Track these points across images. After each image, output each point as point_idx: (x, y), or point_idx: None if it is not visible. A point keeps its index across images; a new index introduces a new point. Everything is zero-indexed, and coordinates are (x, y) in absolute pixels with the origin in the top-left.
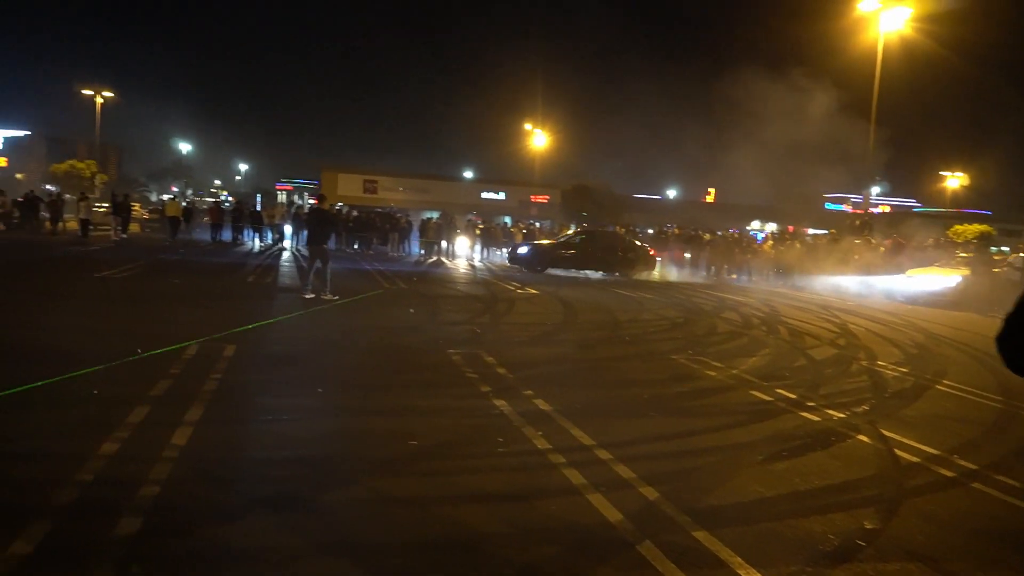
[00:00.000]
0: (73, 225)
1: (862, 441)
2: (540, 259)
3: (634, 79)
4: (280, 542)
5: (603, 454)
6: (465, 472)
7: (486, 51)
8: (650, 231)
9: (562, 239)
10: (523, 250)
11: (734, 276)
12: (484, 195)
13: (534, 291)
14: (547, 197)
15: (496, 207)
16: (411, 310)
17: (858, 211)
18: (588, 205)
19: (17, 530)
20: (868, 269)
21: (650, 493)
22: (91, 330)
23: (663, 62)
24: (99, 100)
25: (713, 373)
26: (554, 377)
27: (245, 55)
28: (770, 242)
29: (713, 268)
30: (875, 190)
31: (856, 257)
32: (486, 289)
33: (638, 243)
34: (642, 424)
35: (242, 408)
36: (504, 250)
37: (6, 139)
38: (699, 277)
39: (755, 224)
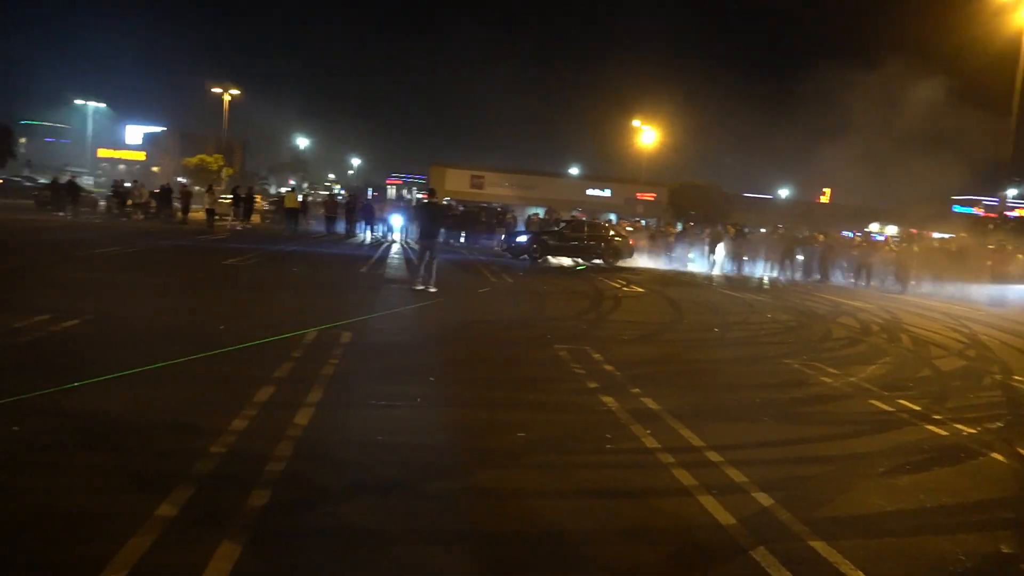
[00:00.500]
0: (200, 215)
1: (996, 459)
2: (541, 248)
3: (748, 75)
4: (392, 524)
5: (714, 456)
6: (573, 467)
7: (595, 49)
8: (762, 231)
9: (550, 229)
10: (523, 239)
11: (851, 280)
12: (589, 192)
13: (640, 289)
14: (654, 195)
15: (602, 204)
16: (518, 305)
17: (991, 215)
18: (696, 203)
19: (164, 494)
20: (1003, 277)
21: (764, 499)
22: (221, 314)
23: (778, 56)
24: (227, 98)
25: (828, 380)
26: (662, 376)
27: (360, 54)
28: (890, 245)
29: (827, 271)
30: (1011, 192)
31: (988, 264)
32: (590, 285)
33: (620, 233)
34: (754, 428)
35: (358, 393)
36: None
37: (145, 135)
38: (812, 280)
39: (874, 226)
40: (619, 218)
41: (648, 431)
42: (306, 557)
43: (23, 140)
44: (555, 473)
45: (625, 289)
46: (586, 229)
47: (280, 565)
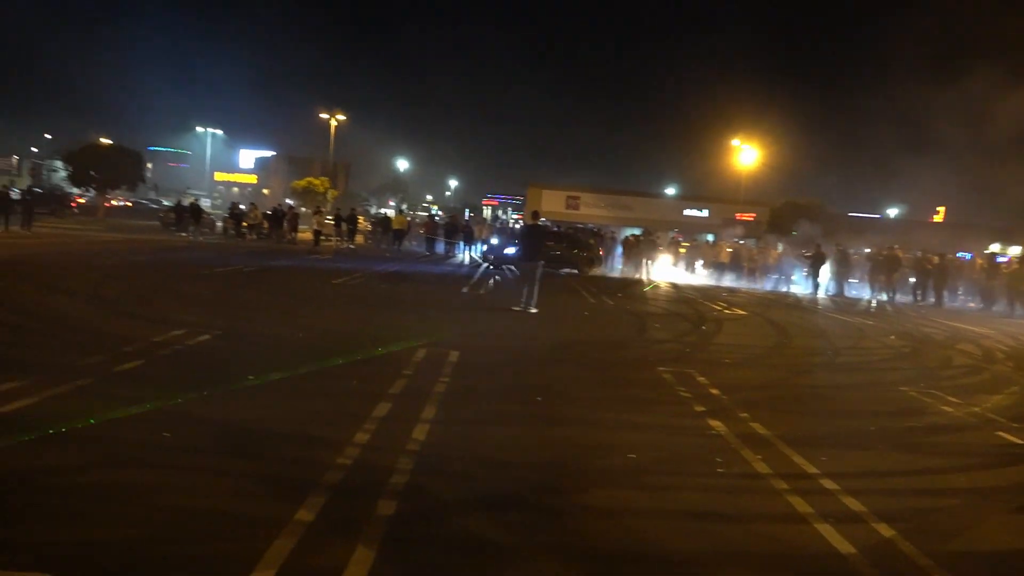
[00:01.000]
0: (308, 235)
1: None
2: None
3: (854, 89)
4: (511, 537)
5: (829, 484)
6: (683, 489)
7: (693, 66)
8: (866, 251)
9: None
10: (510, 250)
11: (971, 304)
12: (686, 212)
13: (742, 312)
14: (753, 215)
15: (699, 225)
16: (619, 326)
17: None
18: (799, 223)
19: (300, 500)
20: None
21: (885, 530)
22: (333, 331)
23: (884, 70)
24: (333, 123)
25: (949, 409)
26: (771, 401)
27: (457, 78)
28: (1015, 266)
29: (941, 294)
30: None
31: None
32: (691, 308)
33: (591, 242)
34: (870, 457)
35: (470, 410)
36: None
37: (256, 159)
38: (925, 304)
39: (995, 247)
40: (717, 238)
41: (759, 456)
42: (434, 564)
43: (149, 165)
44: (666, 495)
45: (727, 312)
46: (564, 240)
47: (410, 571)
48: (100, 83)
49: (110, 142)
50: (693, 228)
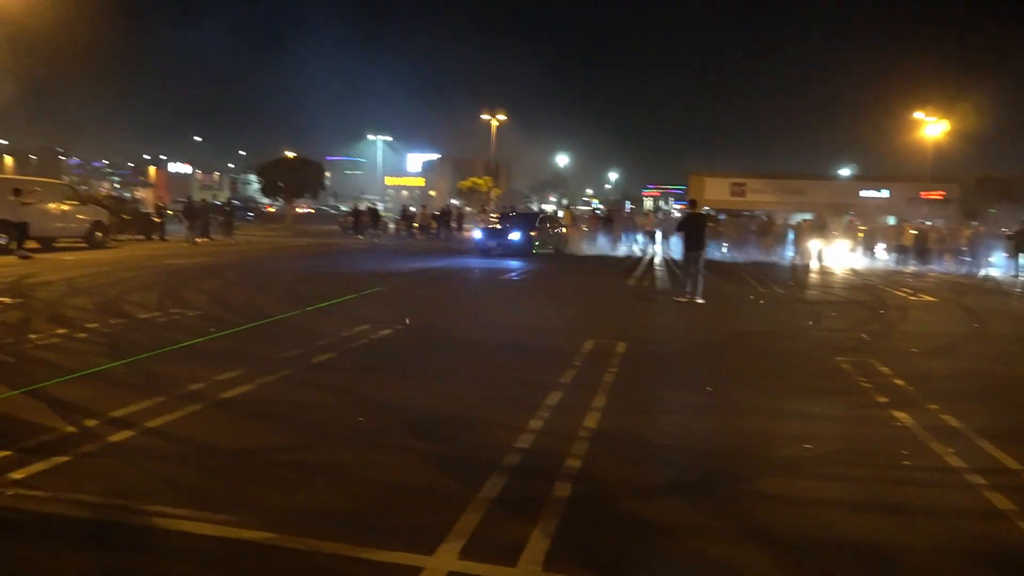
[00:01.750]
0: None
1: None
2: (531, 243)
3: None
4: (686, 521)
5: None
6: (867, 480)
7: (864, 39)
8: None
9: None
10: (515, 236)
11: None
12: (863, 194)
13: (930, 298)
14: (942, 193)
15: (879, 207)
16: (791, 316)
17: None
18: (997, 199)
19: (483, 479)
20: None
21: None
22: (504, 324)
23: None
24: (494, 123)
25: None
26: (964, 393)
27: (615, 69)
28: None
29: None
30: None
31: None
32: (871, 295)
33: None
34: None
35: (640, 399)
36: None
37: (424, 163)
38: None
39: None
40: (899, 220)
41: (951, 449)
42: (608, 544)
43: (328, 174)
44: (848, 485)
45: (912, 298)
46: (549, 223)
47: (588, 549)
48: (285, 102)
49: (294, 154)
50: (872, 210)
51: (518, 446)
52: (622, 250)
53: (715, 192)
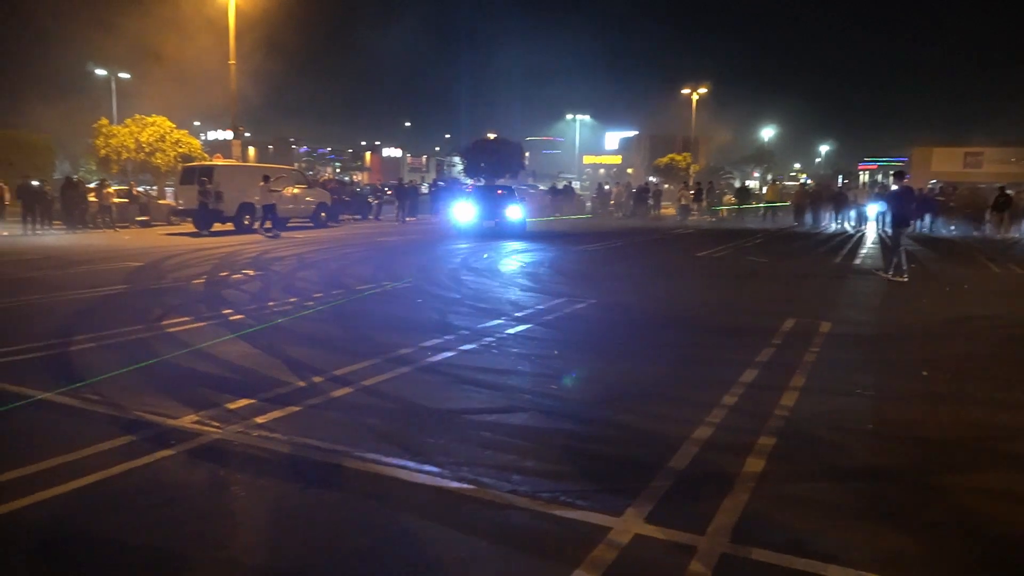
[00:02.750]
0: (670, 211)
1: None
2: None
3: None
4: (881, 510)
5: None
6: None
7: None
8: None
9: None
10: (516, 213)
11: None
12: None
13: None
14: None
15: None
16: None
17: None
18: None
19: (674, 450)
20: None
21: None
22: (699, 301)
23: None
24: (695, 98)
25: None
26: None
27: (825, 37)
28: None
29: None
30: None
31: None
32: None
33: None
34: None
35: (844, 381)
36: None
37: (620, 140)
38: None
39: None
40: None
41: None
42: (800, 523)
43: (527, 154)
44: None
45: None
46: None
47: (777, 527)
48: (487, 86)
49: (495, 136)
50: None
51: (710, 420)
52: (832, 226)
53: (945, 164)
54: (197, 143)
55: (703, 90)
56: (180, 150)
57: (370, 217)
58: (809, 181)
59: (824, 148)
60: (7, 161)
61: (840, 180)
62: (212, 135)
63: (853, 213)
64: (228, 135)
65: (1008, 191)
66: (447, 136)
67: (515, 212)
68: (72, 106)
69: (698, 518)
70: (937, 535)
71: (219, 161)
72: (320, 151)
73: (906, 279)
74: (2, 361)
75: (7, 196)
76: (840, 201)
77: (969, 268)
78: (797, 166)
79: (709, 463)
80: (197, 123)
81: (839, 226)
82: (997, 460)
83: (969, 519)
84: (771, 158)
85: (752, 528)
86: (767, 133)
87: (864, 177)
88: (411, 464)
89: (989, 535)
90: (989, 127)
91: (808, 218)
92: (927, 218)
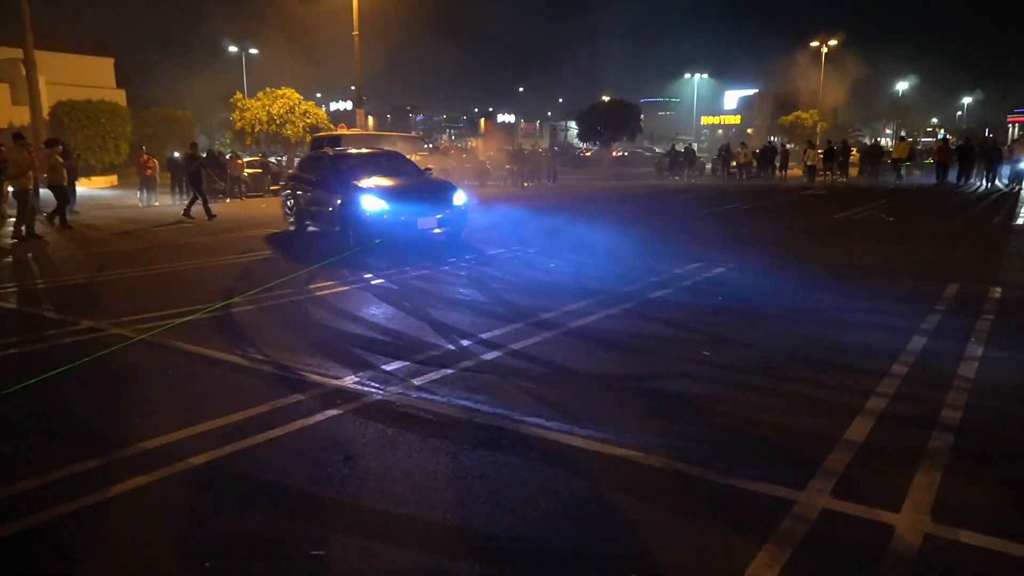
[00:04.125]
0: (797, 171)
1: None
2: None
3: None
4: None
5: None
6: None
7: None
8: None
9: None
10: None
11: None
12: None
13: None
14: None
15: None
16: None
17: None
18: None
19: (846, 423)
20: None
21: None
22: (842, 263)
23: None
24: (823, 51)
25: None
26: None
27: None
28: None
29: None
30: None
31: None
32: None
33: None
34: None
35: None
36: None
37: (740, 99)
38: None
39: None
40: None
41: None
42: (1002, 502)
43: (642, 116)
44: None
45: None
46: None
47: (976, 506)
48: (599, 48)
49: (610, 98)
50: None
51: (881, 391)
52: (982, 184)
53: None
54: (323, 113)
55: (833, 42)
56: (308, 121)
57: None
58: (948, 137)
59: (966, 100)
60: (155, 136)
61: (987, 134)
62: (334, 106)
63: (1007, 170)
64: (349, 105)
65: None
66: (560, 100)
67: None
68: (207, 82)
69: (888, 495)
70: None
71: (343, 130)
72: (436, 118)
73: None
74: (178, 321)
75: (157, 168)
76: (993, 156)
77: None
78: (935, 121)
79: (890, 436)
80: (319, 95)
81: (989, 184)
82: None
83: None
84: (906, 113)
85: (953, 508)
86: (901, 86)
87: (1013, 130)
88: (577, 429)
89: None
90: None
91: (952, 176)
92: None
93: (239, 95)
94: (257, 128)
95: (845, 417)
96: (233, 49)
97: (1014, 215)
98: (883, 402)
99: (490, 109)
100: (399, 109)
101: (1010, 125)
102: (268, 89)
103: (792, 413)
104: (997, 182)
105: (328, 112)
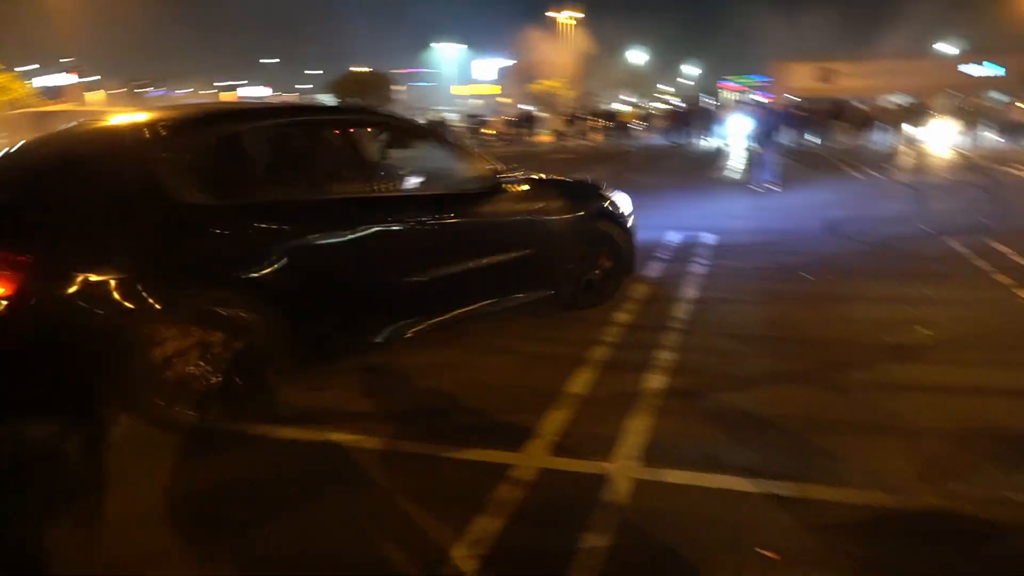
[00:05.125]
0: (547, 138)
1: None
2: None
3: None
4: (788, 413)
5: None
6: (997, 365)
7: None
8: None
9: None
10: None
11: None
12: (967, 70)
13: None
14: None
15: (989, 84)
16: (890, 200)
17: None
18: None
19: (568, 374)
20: None
21: None
22: None
23: None
24: (561, 21)
25: None
26: None
27: None
28: None
29: None
30: None
31: None
32: (981, 175)
33: None
34: None
35: (734, 291)
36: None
37: (500, 69)
38: None
39: None
40: (1011, 100)
41: None
42: (706, 436)
43: (396, 87)
44: (977, 371)
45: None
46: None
47: (682, 442)
48: (347, 18)
49: (365, 69)
50: (980, 88)
51: (608, 340)
52: (701, 142)
53: (801, 79)
54: (24, 86)
55: (575, 14)
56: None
57: None
58: (682, 104)
59: (691, 70)
60: None
61: (703, 100)
62: (47, 81)
63: (719, 128)
64: (70, 80)
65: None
66: (307, 72)
67: None
68: None
69: (606, 443)
70: (848, 435)
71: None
72: (177, 93)
73: (778, 189)
74: None
75: None
76: (706, 118)
77: (836, 174)
78: (667, 88)
79: (611, 384)
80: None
81: (708, 143)
82: (886, 354)
83: (874, 414)
84: (642, 82)
85: (663, 449)
86: (637, 58)
87: (727, 95)
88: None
89: (894, 427)
90: (850, 44)
91: (680, 138)
92: (791, 131)
93: None
94: None
95: (567, 369)
96: None
97: (721, 170)
98: (608, 352)
99: (244, 82)
100: (138, 84)
101: (719, 91)
102: None
103: (522, 373)
104: (716, 141)
105: (42, 89)
